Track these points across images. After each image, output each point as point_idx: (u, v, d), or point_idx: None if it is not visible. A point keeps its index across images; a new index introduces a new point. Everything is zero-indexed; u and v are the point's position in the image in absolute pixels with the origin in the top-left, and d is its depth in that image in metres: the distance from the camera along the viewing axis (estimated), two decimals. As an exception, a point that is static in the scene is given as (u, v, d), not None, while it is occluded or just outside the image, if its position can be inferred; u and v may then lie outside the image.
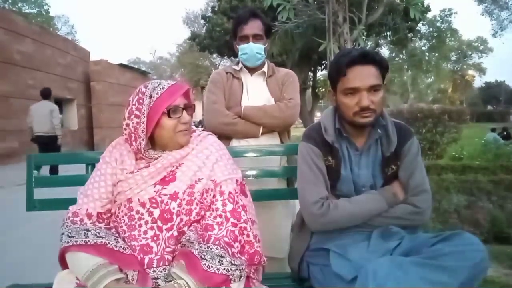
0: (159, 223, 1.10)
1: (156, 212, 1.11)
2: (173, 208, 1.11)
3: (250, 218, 1.15)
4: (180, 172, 1.16)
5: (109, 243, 1.07)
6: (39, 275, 1.53)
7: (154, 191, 1.13)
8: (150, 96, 1.13)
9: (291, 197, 1.76)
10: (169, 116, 1.13)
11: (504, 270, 2.43)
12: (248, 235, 1.12)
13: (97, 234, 1.08)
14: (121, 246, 1.07)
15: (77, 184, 1.42)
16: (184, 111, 1.17)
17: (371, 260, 1.06)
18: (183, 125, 1.16)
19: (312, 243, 1.35)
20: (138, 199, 1.12)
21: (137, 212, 1.12)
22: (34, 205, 1.62)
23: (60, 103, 14.76)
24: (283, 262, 1.65)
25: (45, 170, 1.69)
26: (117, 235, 1.12)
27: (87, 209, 1.14)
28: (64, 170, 1.85)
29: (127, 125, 1.14)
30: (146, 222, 1.11)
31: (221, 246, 1.04)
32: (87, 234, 1.07)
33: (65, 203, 1.31)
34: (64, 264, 1.11)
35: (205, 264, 1.00)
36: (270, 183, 1.78)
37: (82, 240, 1.05)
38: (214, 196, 1.14)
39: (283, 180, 1.87)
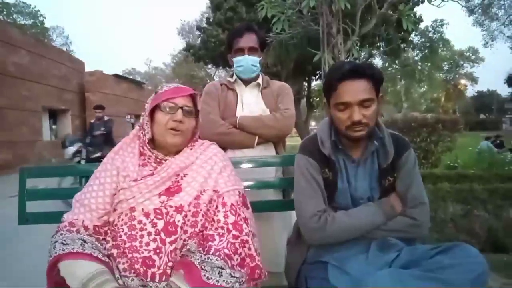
0: (163, 235, 1.08)
1: (160, 224, 1.09)
2: (178, 221, 1.10)
3: (251, 231, 1.15)
4: (186, 183, 1.16)
5: (105, 257, 1.05)
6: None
7: (160, 202, 1.12)
8: (156, 93, 1.22)
9: (287, 208, 1.73)
10: (162, 110, 1.17)
11: (502, 279, 2.41)
12: (249, 248, 1.11)
13: (94, 247, 1.05)
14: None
15: (70, 197, 1.39)
16: (180, 110, 1.18)
17: (370, 273, 1.05)
18: (174, 123, 1.17)
19: (310, 256, 1.33)
20: (142, 209, 1.11)
21: (139, 222, 1.10)
22: (26, 219, 1.58)
23: (54, 114, 14.73)
24: (280, 276, 1.61)
25: (37, 183, 1.66)
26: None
27: (83, 221, 1.11)
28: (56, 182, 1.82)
29: (141, 120, 1.22)
30: (149, 234, 1.08)
31: (221, 257, 1.03)
32: (84, 244, 1.04)
33: (58, 217, 1.28)
34: (51, 276, 1.05)
35: (205, 275, 0.99)
36: (265, 194, 1.76)
37: (79, 248, 1.02)
38: (216, 207, 1.14)
39: (279, 191, 1.85)
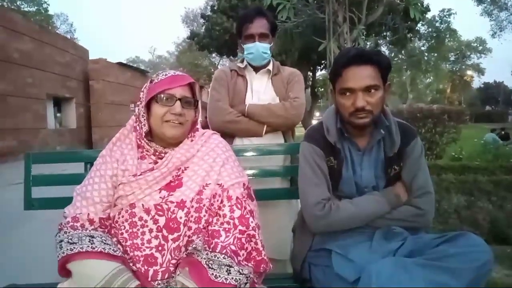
0: (165, 232, 1.05)
1: (162, 220, 1.05)
2: (180, 218, 1.05)
3: (257, 224, 1.11)
4: (187, 177, 1.11)
5: (117, 250, 1.01)
6: (34, 275, 1.51)
7: (160, 197, 1.07)
8: (151, 81, 1.14)
9: (292, 196, 1.73)
10: (159, 102, 1.10)
11: (505, 270, 2.41)
12: (256, 243, 1.07)
13: (104, 241, 1.01)
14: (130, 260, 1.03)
15: (75, 183, 1.40)
16: (179, 101, 1.11)
17: (374, 261, 1.05)
18: (172, 116, 1.10)
19: (314, 244, 1.33)
20: (142, 205, 1.06)
21: (140, 218, 1.06)
22: (32, 204, 1.59)
23: (59, 102, 14.76)
24: (285, 264, 1.62)
25: (42, 169, 1.66)
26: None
27: (88, 214, 1.06)
28: (61, 169, 1.82)
29: (137, 111, 1.15)
30: (151, 231, 1.05)
31: (228, 255, 0.98)
32: (93, 241, 0.99)
33: (63, 202, 1.29)
34: (64, 274, 1.02)
35: (212, 274, 0.96)
36: (271, 183, 1.75)
37: (88, 246, 0.97)
38: (221, 201, 1.09)
39: (286, 180, 1.83)
